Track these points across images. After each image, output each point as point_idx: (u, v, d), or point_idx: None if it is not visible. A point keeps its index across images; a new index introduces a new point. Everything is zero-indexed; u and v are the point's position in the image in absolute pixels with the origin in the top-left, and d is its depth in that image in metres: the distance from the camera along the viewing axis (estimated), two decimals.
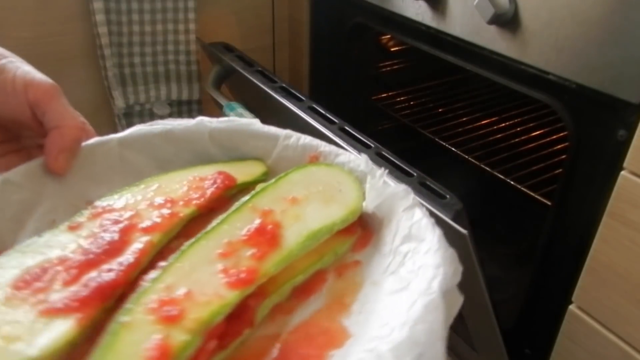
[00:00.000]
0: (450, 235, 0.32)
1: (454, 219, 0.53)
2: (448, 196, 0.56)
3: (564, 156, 0.78)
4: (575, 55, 0.58)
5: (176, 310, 0.26)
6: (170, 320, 0.25)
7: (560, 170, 0.66)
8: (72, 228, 0.32)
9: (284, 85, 0.79)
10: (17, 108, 0.36)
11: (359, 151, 0.63)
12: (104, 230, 0.32)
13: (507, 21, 0.63)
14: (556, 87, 0.61)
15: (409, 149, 0.99)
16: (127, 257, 0.30)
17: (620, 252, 0.58)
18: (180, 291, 0.27)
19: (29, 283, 0.29)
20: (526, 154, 0.99)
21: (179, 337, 0.25)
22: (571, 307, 0.65)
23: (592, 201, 0.60)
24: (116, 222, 0.32)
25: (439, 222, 0.54)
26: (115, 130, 1.16)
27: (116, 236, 0.31)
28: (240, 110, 0.82)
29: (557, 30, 0.59)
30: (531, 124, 1.09)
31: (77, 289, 0.28)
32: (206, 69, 1.02)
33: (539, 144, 1.03)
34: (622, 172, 0.56)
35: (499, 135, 1.06)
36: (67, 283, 0.28)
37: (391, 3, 0.81)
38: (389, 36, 1.14)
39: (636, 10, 0.52)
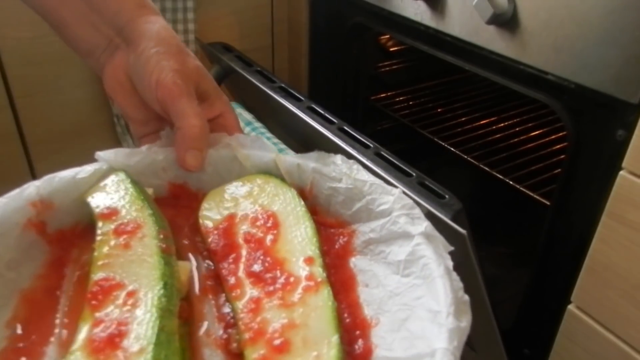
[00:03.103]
0: (449, 236, 0.32)
1: (453, 219, 0.52)
2: (447, 196, 0.56)
3: (563, 156, 0.78)
4: (574, 55, 0.58)
5: None
6: None
7: (559, 170, 0.66)
8: None
9: (282, 85, 0.79)
10: (151, 102, 0.39)
11: (358, 151, 0.63)
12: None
13: (506, 21, 0.63)
14: (555, 87, 0.61)
15: (409, 149, 0.98)
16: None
17: (619, 252, 0.58)
18: None
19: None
20: (525, 154, 0.99)
21: None
22: (570, 307, 0.65)
23: (591, 201, 0.60)
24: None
25: (438, 222, 0.54)
26: (114, 130, 1.14)
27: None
28: (239, 110, 0.82)
29: (556, 30, 0.59)
30: (530, 124, 1.09)
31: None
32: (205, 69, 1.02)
33: (538, 144, 1.03)
34: (621, 172, 0.56)
35: (498, 135, 1.06)
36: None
37: (390, 3, 0.81)
38: (388, 36, 1.14)
39: (636, 10, 0.52)
